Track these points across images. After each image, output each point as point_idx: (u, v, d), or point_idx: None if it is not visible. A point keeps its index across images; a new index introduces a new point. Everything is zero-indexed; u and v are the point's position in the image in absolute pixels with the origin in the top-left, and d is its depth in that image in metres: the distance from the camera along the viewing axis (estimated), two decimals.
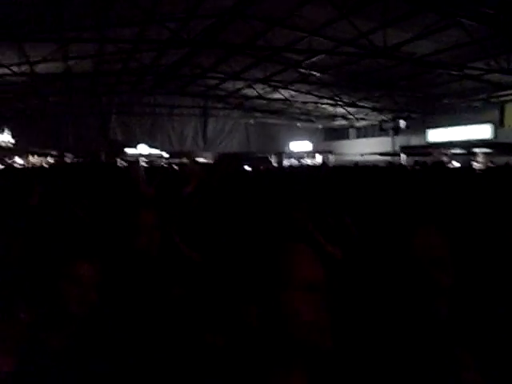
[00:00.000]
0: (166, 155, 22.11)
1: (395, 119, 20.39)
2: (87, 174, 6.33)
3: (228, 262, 2.14)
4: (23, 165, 16.74)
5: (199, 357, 1.52)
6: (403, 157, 17.92)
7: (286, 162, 21.45)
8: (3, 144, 18.35)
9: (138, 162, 15.34)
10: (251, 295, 1.05)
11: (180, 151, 22.08)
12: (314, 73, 14.83)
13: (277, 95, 18.82)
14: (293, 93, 18.55)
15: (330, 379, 1.10)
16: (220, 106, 22.46)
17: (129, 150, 21.62)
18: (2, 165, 12.92)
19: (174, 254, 2.39)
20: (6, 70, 12.95)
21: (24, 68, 13.15)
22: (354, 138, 25.07)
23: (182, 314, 1.96)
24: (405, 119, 19.93)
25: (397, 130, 20.22)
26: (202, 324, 1.72)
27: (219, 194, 3.61)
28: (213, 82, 18.33)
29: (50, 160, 18.21)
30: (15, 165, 15.32)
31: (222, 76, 16.81)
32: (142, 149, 22.03)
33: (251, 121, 24.17)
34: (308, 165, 18.69)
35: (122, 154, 20.82)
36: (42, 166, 10.26)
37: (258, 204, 3.57)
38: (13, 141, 18.69)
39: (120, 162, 15.87)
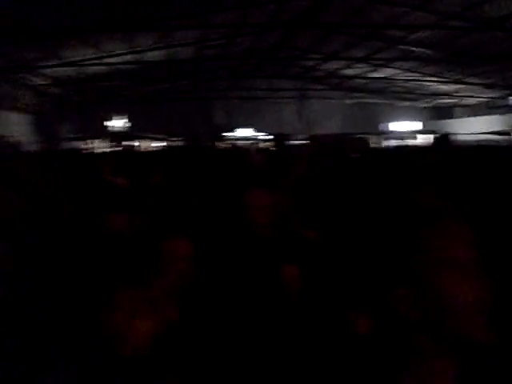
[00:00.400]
0: (268, 138, 22.30)
1: (507, 96, 18.94)
2: (197, 157, 6.58)
3: (353, 242, 2.12)
4: (138, 148, 17.70)
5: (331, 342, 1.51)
6: None
7: (386, 143, 20.72)
8: (121, 128, 19.63)
9: (251, 145, 15.67)
10: (395, 278, 1.01)
11: (282, 134, 22.13)
12: (417, 49, 14.15)
13: (377, 74, 18.25)
14: (394, 71, 17.88)
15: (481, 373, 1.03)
16: (319, 87, 22.23)
17: (231, 134, 22.06)
18: (123, 148, 13.74)
19: (290, 234, 2.41)
20: (118, 59, 13.77)
21: (132, 56, 13.88)
22: (460, 116, 23.62)
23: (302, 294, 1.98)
24: None
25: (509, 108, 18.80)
26: (337, 307, 1.68)
27: (330, 176, 3.60)
28: (311, 63, 18.16)
29: (161, 144, 19.04)
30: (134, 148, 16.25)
31: (321, 57, 16.59)
32: (245, 132, 22.35)
33: (350, 101, 23.67)
34: (420, 145, 17.71)
35: (224, 138, 21.32)
36: (159, 150, 10.76)
37: (372, 183, 3.49)
38: (128, 126, 19.94)
39: (224, 146, 16.28)
